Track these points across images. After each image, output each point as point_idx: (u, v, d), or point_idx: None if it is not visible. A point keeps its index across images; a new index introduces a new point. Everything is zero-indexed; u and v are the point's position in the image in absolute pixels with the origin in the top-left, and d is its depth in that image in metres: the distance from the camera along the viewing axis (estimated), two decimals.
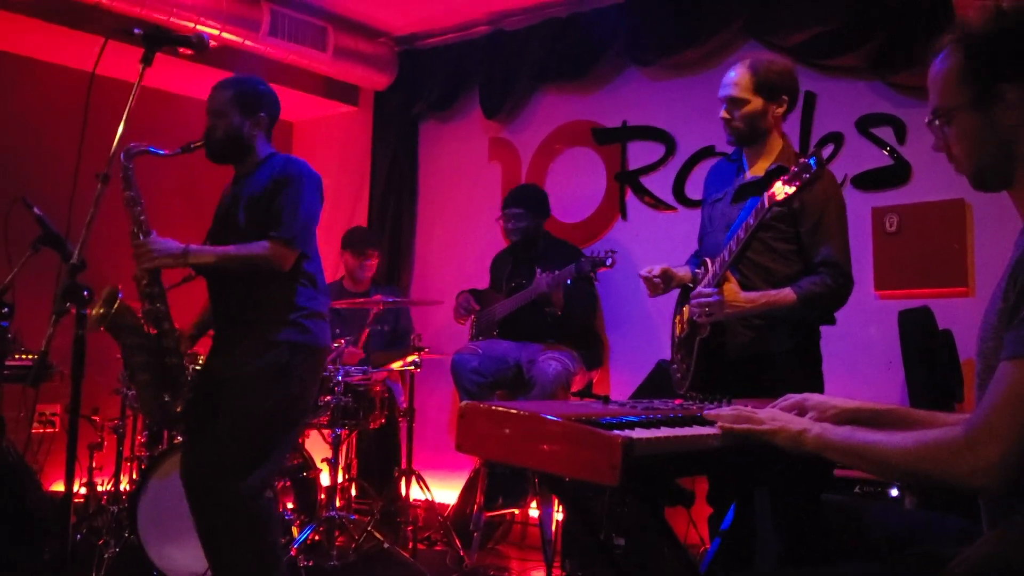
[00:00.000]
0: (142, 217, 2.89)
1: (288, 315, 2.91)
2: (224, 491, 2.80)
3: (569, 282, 4.25)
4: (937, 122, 1.55)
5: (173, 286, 2.97)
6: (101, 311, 2.77)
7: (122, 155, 2.89)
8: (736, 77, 2.86)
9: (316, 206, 3.01)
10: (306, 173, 2.98)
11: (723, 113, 2.89)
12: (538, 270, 4.53)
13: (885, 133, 4.15)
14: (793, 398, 1.85)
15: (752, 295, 2.74)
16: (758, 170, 2.91)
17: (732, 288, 2.73)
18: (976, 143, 1.51)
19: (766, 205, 2.64)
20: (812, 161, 2.56)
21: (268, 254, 2.86)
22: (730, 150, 3.13)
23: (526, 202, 4.74)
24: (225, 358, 2.96)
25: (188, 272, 3.03)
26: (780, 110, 2.88)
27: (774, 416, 1.66)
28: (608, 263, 4.06)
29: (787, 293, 2.73)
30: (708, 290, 2.76)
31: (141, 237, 2.87)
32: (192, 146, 2.99)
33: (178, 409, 2.87)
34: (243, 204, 2.98)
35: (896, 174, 4.11)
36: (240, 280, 2.94)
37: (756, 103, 2.84)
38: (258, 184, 2.97)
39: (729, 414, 1.70)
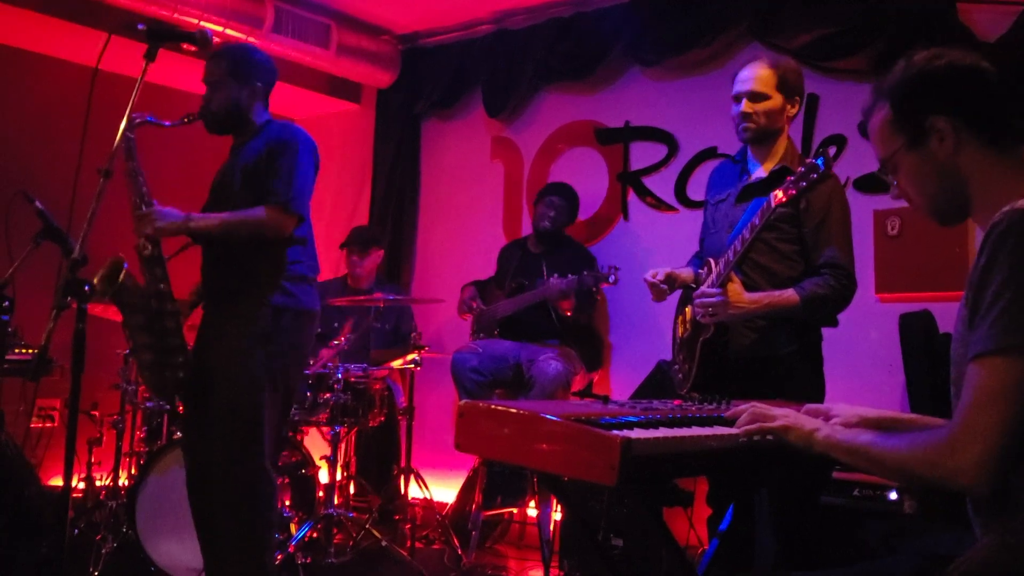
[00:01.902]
0: (144, 188, 2.90)
1: (272, 279, 2.92)
2: (222, 463, 2.81)
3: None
4: (887, 174, 1.64)
5: (170, 256, 2.96)
6: (107, 282, 2.77)
7: (123, 125, 2.88)
8: (758, 72, 2.85)
9: (310, 171, 3.01)
10: (301, 138, 2.98)
11: (744, 106, 2.85)
12: (542, 272, 4.54)
13: None
14: (818, 408, 1.89)
15: (756, 296, 2.74)
16: (763, 171, 2.91)
17: (736, 288, 2.73)
18: (923, 180, 1.59)
19: (772, 205, 2.63)
20: (820, 161, 2.56)
21: (267, 219, 2.87)
22: (733, 151, 3.12)
23: (568, 198, 4.78)
24: (215, 327, 2.97)
25: (183, 242, 3.03)
26: (793, 110, 2.88)
27: (787, 414, 1.71)
28: (611, 280, 4.08)
29: (790, 294, 2.72)
30: (712, 290, 2.75)
31: (143, 208, 2.88)
32: (191, 117, 3.00)
33: (180, 374, 2.87)
34: (239, 172, 2.98)
35: None
36: (231, 248, 2.94)
37: (777, 100, 2.84)
38: (253, 151, 2.98)
39: (746, 414, 1.75)
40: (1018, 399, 1.32)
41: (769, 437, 1.69)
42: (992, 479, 1.34)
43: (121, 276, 2.77)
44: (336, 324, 4.83)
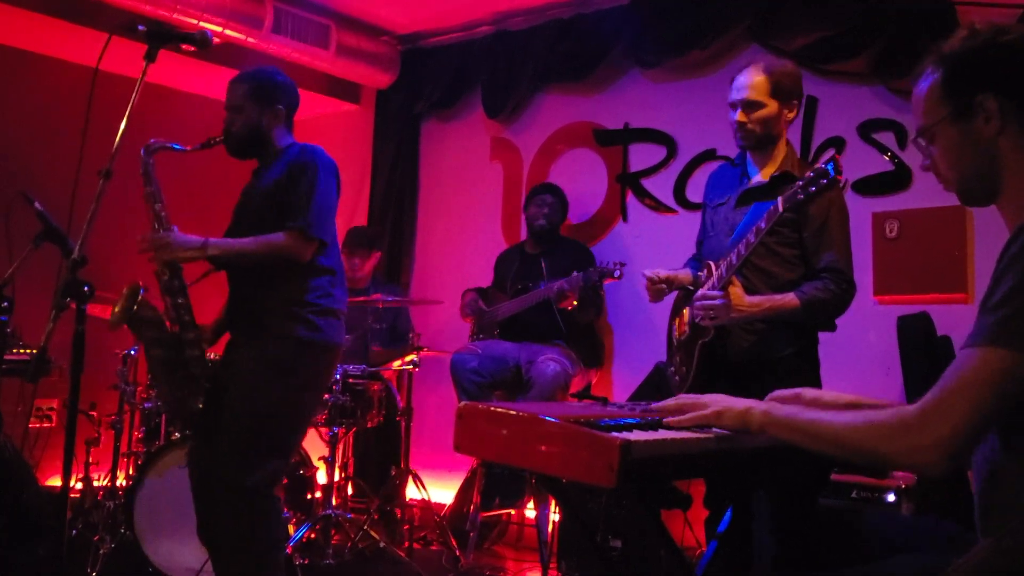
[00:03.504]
0: (162, 213, 2.88)
1: (298, 311, 2.87)
2: (227, 485, 2.78)
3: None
4: (922, 141, 1.59)
5: (192, 283, 2.94)
6: (124, 307, 2.76)
7: (142, 151, 2.89)
8: (752, 80, 2.83)
9: (332, 193, 2.95)
10: (320, 160, 2.93)
11: (738, 116, 2.85)
12: (542, 272, 4.54)
13: (886, 138, 4.15)
14: (784, 393, 1.85)
15: (757, 299, 2.74)
16: (763, 175, 2.91)
17: (737, 292, 2.73)
18: (959, 156, 1.54)
19: (780, 209, 2.62)
20: (830, 167, 2.56)
21: (286, 244, 2.82)
22: (732, 154, 3.12)
23: (557, 194, 4.82)
24: (239, 353, 2.94)
25: (206, 268, 3.02)
26: (791, 115, 2.88)
27: (717, 399, 1.66)
28: (616, 275, 4.08)
29: (791, 298, 2.73)
30: (714, 293, 2.75)
31: (161, 232, 2.86)
32: (212, 142, 2.98)
33: (199, 404, 2.85)
34: (259, 196, 2.96)
35: (897, 179, 4.11)
36: (254, 273, 2.91)
37: (772, 107, 2.83)
38: (274, 174, 2.94)
39: (672, 406, 1.71)
40: (1001, 389, 1.30)
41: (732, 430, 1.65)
42: (950, 463, 1.31)
43: (136, 303, 2.76)
44: None
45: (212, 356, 3.38)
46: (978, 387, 1.31)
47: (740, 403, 1.62)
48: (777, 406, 1.59)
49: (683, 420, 1.66)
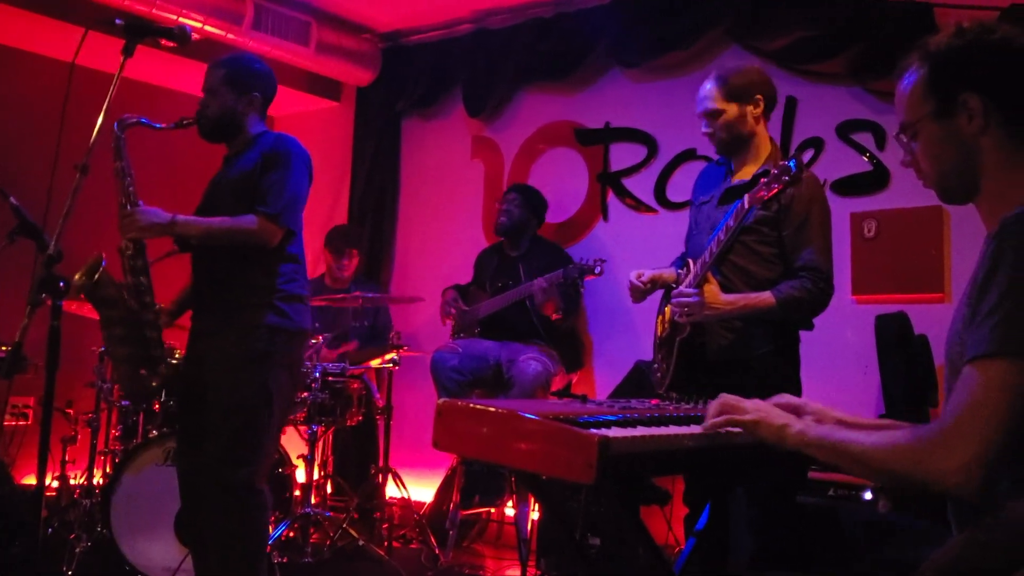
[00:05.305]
0: (131, 188, 2.86)
1: (266, 298, 2.87)
2: (217, 482, 2.76)
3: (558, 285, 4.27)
4: (904, 137, 1.60)
5: (155, 260, 2.92)
6: (83, 279, 2.74)
7: (115, 124, 2.87)
8: (706, 91, 2.91)
9: (303, 184, 2.98)
10: (295, 150, 2.95)
11: (704, 129, 2.93)
12: (519, 275, 4.55)
13: (865, 139, 4.18)
14: (792, 400, 1.84)
15: (732, 297, 2.76)
16: (745, 174, 2.93)
17: (712, 289, 2.75)
18: (940, 152, 1.55)
19: (746, 207, 2.65)
20: (792, 164, 2.58)
21: (255, 228, 2.83)
22: (712, 152, 3.14)
23: (525, 192, 4.82)
24: (207, 342, 2.92)
25: (172, 247, 2.99)
26: (758, 111, 2.90)
27: (758, 407, 1.66)
28: (597, 271, 4.08)
29: (766, 296, 2.74)
30: (689, 290, 2.77)
31: (129, 208, 2.84)
32: (184, 122, 2.98)
33: (154, 384, 2.83)
34: (232, 182, 2.95)
35: (875, 180, 4.15)
36: (221, 259, 2.90)
37: (731, 110, 2.87)
38: (248, 162, 2.94)
39: (715, 406, 1.71)
40: (1014, 401, 1.29)
41: (737, 429, 1.66)
42: (980, 483, 1.30)
43: (97, 273, 2.73)
44: (317, 324, 4.81)
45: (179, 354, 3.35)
46: (992, 403, 1.30)
47: (778, 418, 1.61)
48: (813, 425, 1.58)
49: (718, 422, 1.66)
